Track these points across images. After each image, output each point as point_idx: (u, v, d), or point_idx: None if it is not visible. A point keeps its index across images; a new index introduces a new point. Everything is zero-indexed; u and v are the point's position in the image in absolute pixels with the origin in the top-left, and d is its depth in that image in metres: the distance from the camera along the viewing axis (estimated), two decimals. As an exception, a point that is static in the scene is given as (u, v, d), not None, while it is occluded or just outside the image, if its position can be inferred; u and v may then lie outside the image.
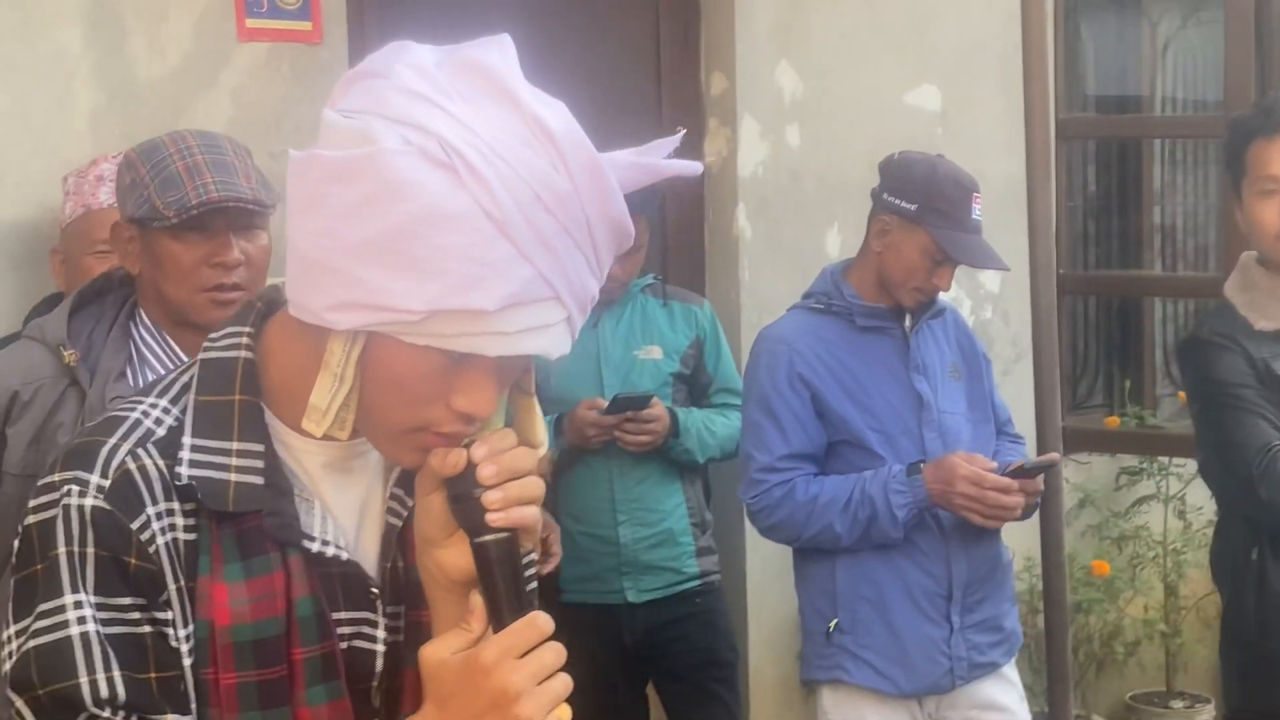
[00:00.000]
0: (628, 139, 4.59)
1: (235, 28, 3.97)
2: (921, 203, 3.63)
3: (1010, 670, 3.89)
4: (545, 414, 4.10)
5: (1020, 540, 4.64)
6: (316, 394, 1.49)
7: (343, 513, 1.61)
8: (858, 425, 3.68)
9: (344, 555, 1.57)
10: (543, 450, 1.58)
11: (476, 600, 1.47)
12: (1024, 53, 4.25)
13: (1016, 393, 4.65)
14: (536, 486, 1.49)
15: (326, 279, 1.46)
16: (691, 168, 1.55)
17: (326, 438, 1.53)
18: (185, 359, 2.81)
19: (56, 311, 2.90)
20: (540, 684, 1.43)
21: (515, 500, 1.46)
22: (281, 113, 4.03)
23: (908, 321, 3.79)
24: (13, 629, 1.49)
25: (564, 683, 1.45)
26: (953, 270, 3.72)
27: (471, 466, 1.47)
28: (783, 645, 5.04)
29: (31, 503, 1.52)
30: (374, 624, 1.61)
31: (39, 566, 1.49)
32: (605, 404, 4.13)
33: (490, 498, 1.46)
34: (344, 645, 1.59)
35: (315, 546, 1.55)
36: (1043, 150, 4.25)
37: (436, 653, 1.47)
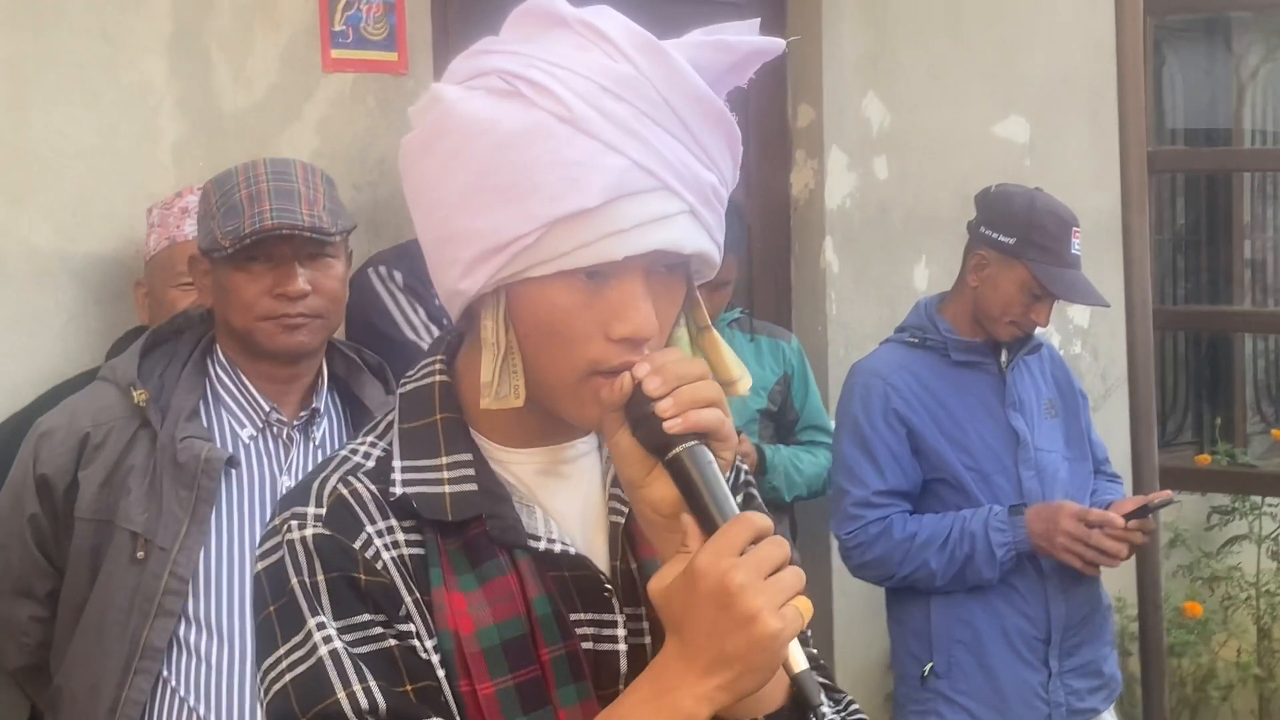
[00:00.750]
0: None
1: (320, 58, 3.93)
2: (1020, 236, 3.55)
3: (1110, 717, 3.78)
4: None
5: (1112, 581, 4.53)
6: (483, 371, 1.50)
7: (565, 518, 1.58)
8: (953, 463, 3.60)
9: (573, 550, 1.54)
10: (743, 387, 1.56)
11: (688, 520, 1.42)
12: (1119, 85, 4.16)
13: (1106, 429, 4.54)
14: (710, 389, 1.43)
15: (449, 250, 1.49)
16: (772, 44, 1.53)
17: (522, 445, 1.56)
18: (259, 396, 2.79)
19: (128, 352, 2.87)
20: (766, 578, 1.34)
21: (688, 403, 1.41)
22: (366, 144, 3.99)
23: (1003, 357, 3.70)
24: (262, 670, 1.50)
25: (795, 575, 1.36)
26: (1051, 305, 3.63)
27: (640, 386, 1.43)
28: (872, 686, 4.94)
29: (258, 552, 1.54)
30: (613, 624, 1.56)
31: (273, 607, 1.50)
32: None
33: (661, 406, 1.41)
34: (587, 646, 1.55)
35: (542, 545, 1.53)
36: (1138, 184, 4.15)
37: (659, 582, 1.40)
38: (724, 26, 1.53)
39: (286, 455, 2.80)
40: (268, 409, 2.80)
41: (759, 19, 1.56)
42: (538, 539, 1.54)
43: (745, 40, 1.51)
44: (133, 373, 2.78)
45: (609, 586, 1.56)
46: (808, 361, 4.42)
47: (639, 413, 1.43)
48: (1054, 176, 5.38)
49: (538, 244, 1.44)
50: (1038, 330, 3.75)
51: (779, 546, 1.37)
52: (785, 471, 4.16)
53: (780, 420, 4.34)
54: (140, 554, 2.66)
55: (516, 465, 1.59)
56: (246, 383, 2.81)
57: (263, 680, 1.50)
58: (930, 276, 5.07)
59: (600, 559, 1.58)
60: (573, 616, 1.54)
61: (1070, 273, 3.58)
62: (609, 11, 1.49)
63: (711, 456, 1.42)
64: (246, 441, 2.79)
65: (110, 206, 3.62)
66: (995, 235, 3.59)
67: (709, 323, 1.59)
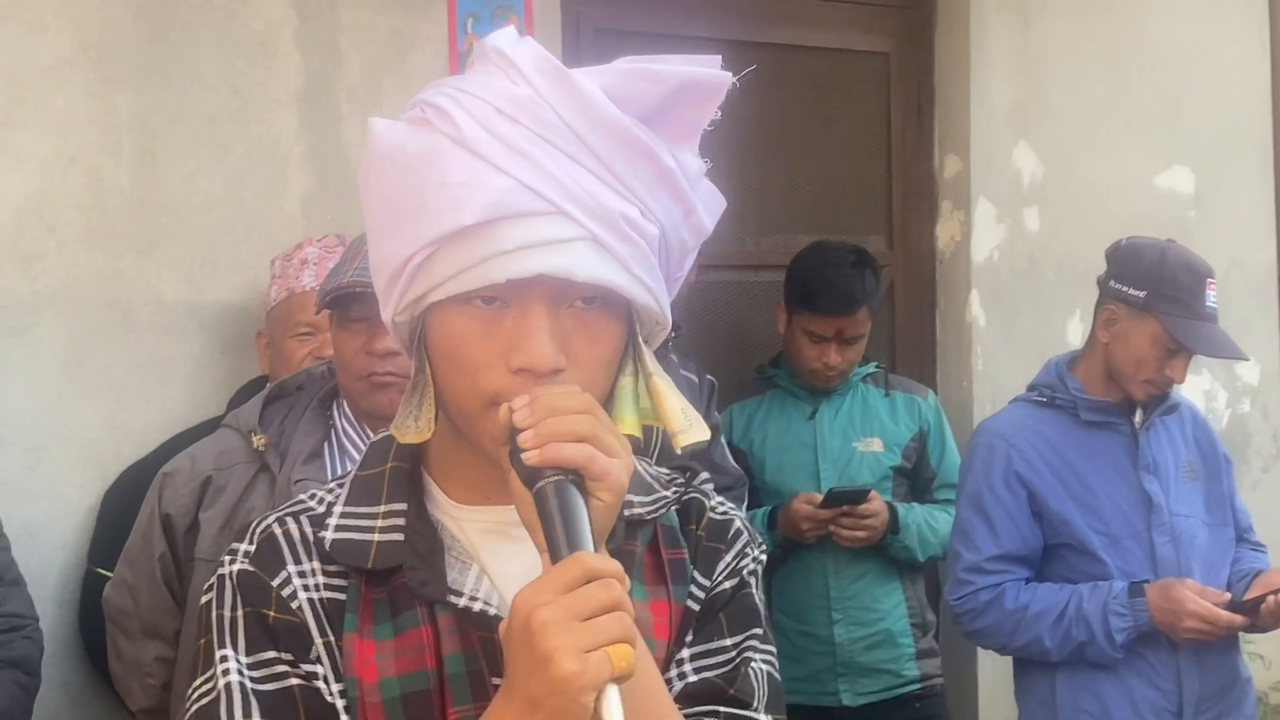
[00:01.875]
0: (854, 221, 4.49)
1: (451, 111, 3.95)
2: (1151, 289, 3.41)
3: (1249, 796, 3.60)
4: (761, 504, 4.03)
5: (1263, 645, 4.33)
6: (402, 403, 1.52)
7: (509, 581, 1.52)
8: (1079, 527, 3.46)
9: (492, 611, 1.49)
10: (692, 438, 1.50)
11: (545, 562, 1.35)
12: (1276, 133, 4.00)
13: (1279, 492, 4.34)
14: (582, 424, 1.36)
15: (376, 280, 1.52)
16: (713, 75, 1.47)
17: (478, 502, 1.55)
18: None
19: (252, 400, 2.94)
20: (584, 620, 1.25)
21: (548, 435, 1.34)
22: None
23: (1138, 417, 3.55)
24: (185, 697, 1.52)
25: (616, 622, 1.26)
26: (1187, 361, 3.47)
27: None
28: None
29: (205, 585, 1.56)
30: None
31: (203, 640, 1.52)
32: (820, 498, 3.98)
33: (522, 437, 1.36)
34: None
35: (462, 602, 1.49)
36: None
37: (505, 624, 1.33)
38: (663, 57, 1.47)
39: None
40: None
41: (720, 56, 1.50)
42: (460, 595, 1.50)
43: (673, 70, 1.45)
44: (254, 419, 2.86)
45: None
46: (945, 418, 4.30)
47: (513, 446, 1.38)
48: (1220, 228, 5.22)
49: (428, 266, 1.43)
50: (1203, 387, 3.59)
51: (607, 590, 1.27)
52: (919, 531, 4.06)
53: (915, 478, 4.23)
54: None
55: (465, 521, 1.56)
56: (369, 432, 2.83)
57: (185, 710, 1.51)
58: (1084, 332, 4.89)
59: None
60: (495, 680, 1.47)
61: (1205, 326, 3.42)
62: (530, 42, 1.46)
63: (577, 496, 1.34)
64: None
65: (237, 258, 3.68)
66: (1125, 289, 3.46)
67: (655, 370, 1.53)
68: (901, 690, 4.13)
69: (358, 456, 2.79)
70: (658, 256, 1.49)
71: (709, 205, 1.56)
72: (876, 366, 4.29)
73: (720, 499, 1.71)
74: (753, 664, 1.59)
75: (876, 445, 4.15)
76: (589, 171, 1.42)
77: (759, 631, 1.63)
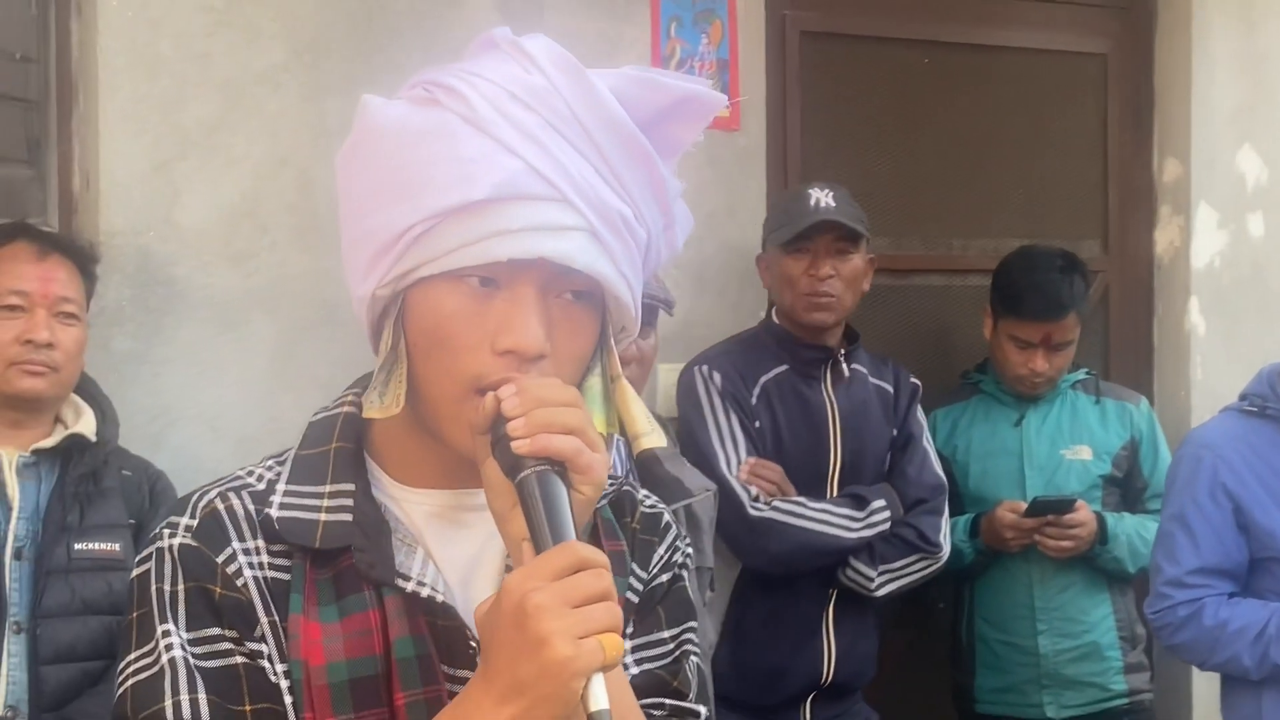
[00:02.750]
0: (1068, 225, 4.39)
1: (653, 114, 3.98)
2: (1367, 297, 3.28)
3: None
4: (963, 511, 3.98)
5: None
6: (373, 379, 1.48)
7: (450, 565, 1.53)
8: (1287, 541, 3.33)
9: (439, 597, 1.47)
10: (653, 441, 1.51)
11: (526, 548, 1.34)
12: None
13: None
14: (571, 416, 1.36)
15: (353, 254, 1.48)
16: (710, 96, 1.48)
17: (423, 485, 1.53)
18: None
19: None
20: (576, 607, 1.26)
21: (540, 426, 1.34)
22: (694, 202, 3.97)
23: (1353, 428, 3.41)
24: (116, 673, 1.49)
25: (608, 611, 1.27)
26: (1406, 373, 3.33)
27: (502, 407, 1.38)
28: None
29: (136, 560, 1.53)
30: None
31: (136, 613, 1.48)
32: (1025, 506, 3.91)
33: (512, 425, 1.35)
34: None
35: (410, 586, 1.47)
36: None
37: (483, 606, 1.33)
38: (665, 72, 1.50)
39: None
40: None
41: (710, 81, 1.52)
42: (407, 579, 1.48)
43: (677, 84, 1.47)
44: None
45: (474, 643, 1.47)
46: (1159, 426, 4.19)
47: (497, 434, 1.37)
48: None
49: (426, 238, 1.41)
50: None
51: (598, 579, 1.27)
52: (1129, 542, 3.95)
53: (1127, 487, 4.12)
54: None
55: (410, 504, 1.55)
56: None
57: (117, 686, 1.48)
58: (1309, 341, 4.75)
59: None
60: (445, 668, 1.48)
61: None
62: (543, 38, 1.47)
63: (562, 487, 1.35)
64: None
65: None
66: (1341, 297, 3.33)
67: (619, 374, 1.54)
68: (1108, 705, 4.04)
69: None
70: (641, 259, 1.50)
71: (682, 224, 1.56)
72: (1087, 373, 4.20)
73: (647, 493, 1.70)
74: (691, 657, 1.60)
75: (1085, 453, 4.06)
76: (591, 166, 1.43)
77: (694, 624, 1.63)
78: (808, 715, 3.68)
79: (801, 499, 3.57)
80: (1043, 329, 3.95)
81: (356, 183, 1.48)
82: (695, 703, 1.58)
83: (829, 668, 3.67)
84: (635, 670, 1.55)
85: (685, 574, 1.66)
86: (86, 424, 3.07)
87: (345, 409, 1.58)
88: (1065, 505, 3.89)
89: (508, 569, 1.50)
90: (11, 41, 3.49)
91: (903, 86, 4.56)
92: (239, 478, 1.55)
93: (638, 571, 1.61)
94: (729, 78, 4.10)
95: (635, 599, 1.59)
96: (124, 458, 3.16)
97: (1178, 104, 4.79)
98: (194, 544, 1.47)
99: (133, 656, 1.46)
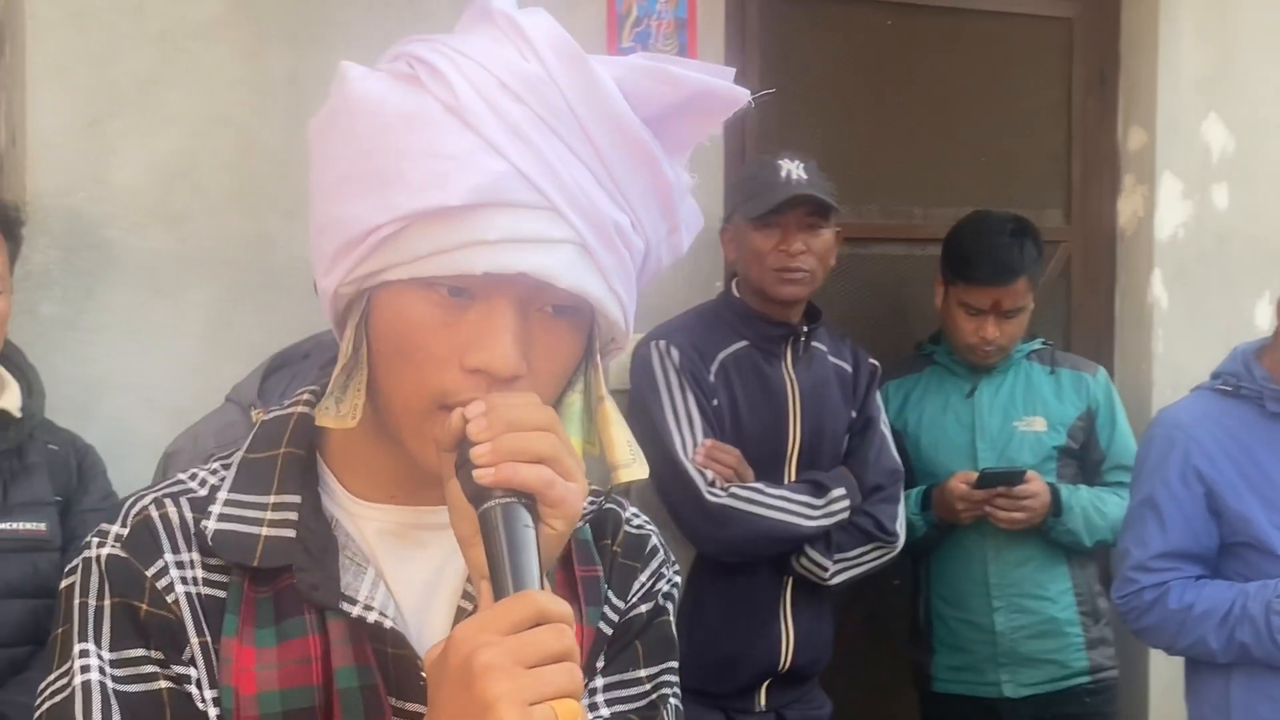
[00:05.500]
0: (1031, 194, 4.31)
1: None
2: (1345, 275, 3.19)
3: None
4: (915, 484, 3.88)
5: None
6: (330, 384, 1.35)
7: (404, 588, 1.40)
8: (1261, 525, 3.24)
9: (388, 623, 1.34)
10: (634, 474, 1.37)
11: (484, 588, 1.22)
12: None
13: None
14: (543, 443, 1.23)
15: (319, 242, 1.34)
16: (731, 91, 1.32)
17: (380, 499, 1.40)
18: None
19: (253, 371, 2.84)
20: (530, 667, 1.12)
21: (507, 454, 1.21)
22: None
23: (1330, 409, 3.32)
24: (37, 696, 1.36)
25: (566, 673, 1.13)
26: (1384, 352, 3.24)
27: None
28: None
29: (65, 568, 1.40)
30: (420, 717, 1.34)
31: (60, 629, 1.36)
32: (976, 477, 3.83)
33: (476, 452, 1.22)
34: None
35: (356, 610, 1.34)
36: None
37: (432, 652, 1.21)
38: (680, 60, 1.32)
39: None
40: None
41: (735, 69, 1.36)
42: (354, 603, 1.35)
43: (691, 76, 1.30)
44: (254, 392, 2.76)
45: (425, 676, 1.29)
46: (1117, 397, 4.10)
47: (462, 456, 1.24)
48: None
49: (395, 240, 1.27)
50: None
51: (557, 636, 1.14)
52: (1084, 514, 3.87)
53: (1084, 459, 4.04)
54: None
55: (364, 520, 1.41)
56: None
57: (35, 707, 1.36)
58: (1273, 316, 4.66)
59: (434, 642, 1.28)
60: (391, 701, 1.35)
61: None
62: (543, 14, 1.31)
63: (529, 521, 1.22)
64: None
65: (386, 222, 3.61)
66: (1315, 274, 3.23)
67: (605, 394, 1.40)
68: (1070, 683, 3.96)
69: None
70: (637, 270, 1.36)
71: (689, 224, 1.40)
72: (1043, 343, 4.12)
73: (635, 510, 1.56)
74: (670, 700, 1.48)
75: (1039, 424, 3.97)
76: (587, 169, 1.28)
77: (674, 664, 1.50)
78: (763, 702, 3.59)
79: (759, 485, 3.47)
80: (992, 294, 3.86)
81: (329, 163, 1.34)
82: None
83: (787, 654, 3.58)
84: (606, 713, 1.42)
85: (670, 606, 1.52)
86: (10, 398, 2.91)
87: (299, 409, 1.45)
88: (1015, 477, 3.81)
89: (465, 594, 1.38)
90: (-67, -12, 3.32)
91: (864, 49, 4.44)
92: (180, 482, 1.42)
93: (613, 600, 1.48)
94: (686, 38, 3.97)
95: (609, 630, 1.46)
96: (50, 431, 3.01)
97: (1144, 71, 4.69)
98: (123, 555, 1.35)
99: (51, 677, 1.34)
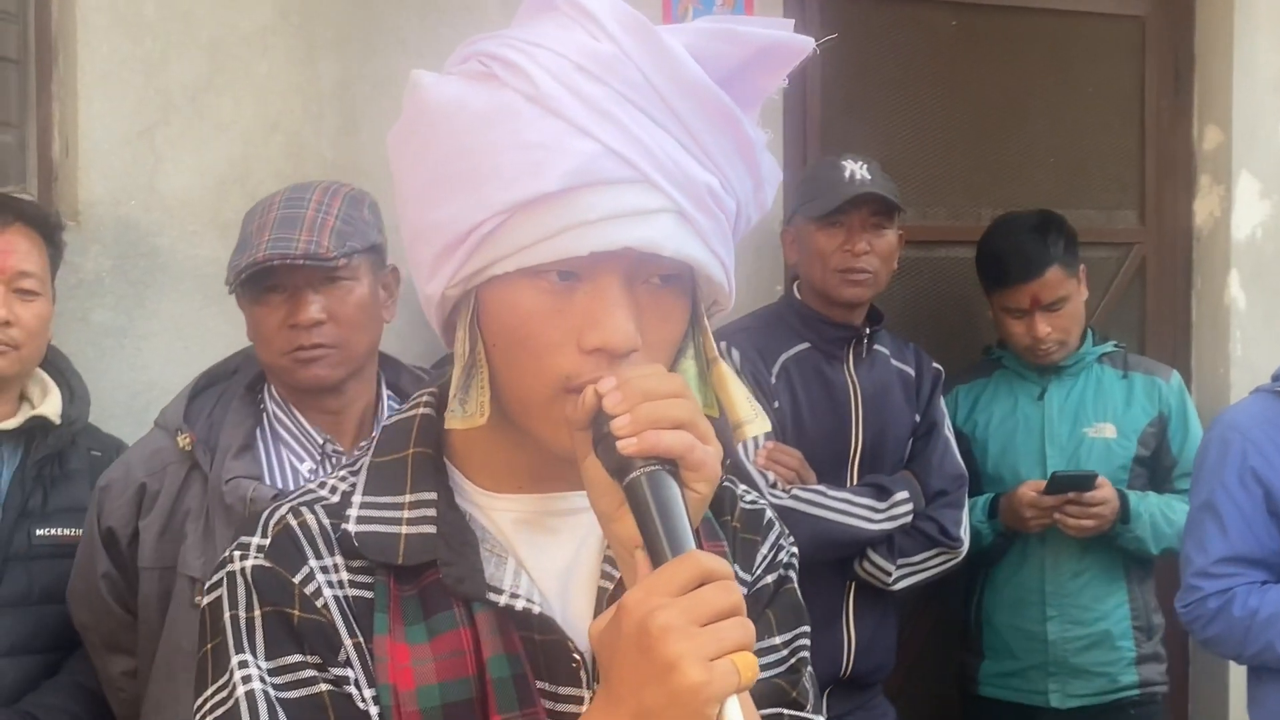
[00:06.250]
0: (1102, 195, 4.24)
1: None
2: None
3: None
4: (982, 491, 3.82)
5: None
6: (451, 384, 1.38)
7: (546, 577, 1.42)
8: (1323, 528, 3.15)
9: (537, 609, 1.37)
10: (756, 429, 1.39)
11: (640, 557, 1.24)
12: None
13: None
14: (679, 409, 1.25)
15: (417, 250, 1.38)
16: (795, 40, 1.35)
17: (509, 490, 1.43)
18: (312, 429, 2.71)
19: (179, 394, 2.81)
20: (703, 625, 1.15)
21: (647, 422, 1.23)
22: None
23: (1393, 410, 3.22)
24: (193, 711, 1.39)
25: (739, 627, 1.16)
26: None
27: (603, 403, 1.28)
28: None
29: (206, 585, 1.43)
30: (579, 700, 1.38)
31: (210, 644, 1.38)
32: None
33: (617, 424, 1.24)
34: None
35: (503, 599, 1.37)
36: None
37: (599, 624, 1.22)
38: (743, 19, 1.34)
39: None
40: (322, 441, 2.72)
41: (793, 20, 1.37)
42: (500, 593, 1.37)
43: (756, 32, 1.33)
44: (179, 416, 2.72)
45: (577, 657, 1.37)
46: (1190, 402, 4.02)
47: (599, 432, 1.26)
48: None
49: (497, 235, 1.30)
50: None
51: (725, 592, 1.16)
52: (1153, 521, 3.80)
53: (1155, 466, 3.96)
54: (198, 599, 2.50)
55: (496, 511, 1.44)
56: (300, 417, 2.72)
57: None
58: (1354, 317, 4.56)
59: (579, 626, 1.38)
60: (539, 685, 1.37)
61: None
62: None
63: (675, 486, 1.23)
64: (307, 475, 2.70)
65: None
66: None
67: (716, 355, 1.42)
68: (1117, 696, 3.89)
69: (293, 444, 2.71)
70: (732, 230, 1.38)
71: (770, 180, 1.43)
72: (1116, 346, 4.04)
73: (746, 487, 1.58)
74: (808, 666, 1.52)
75: (1109, 431, 3.90)
76: (673, 138, 1.31)
77: (806, 629, 1.54)
78: (824, 709, 3.54)
79: (821, 487, 3.43)
80: (1028, 291, 3.81)
81: (414, 172, 1.37)
82: (813, 714, 1.51)
83: (848, 660, 3.54)
84: None
85: (792, 574, 1.56)
86: (51, 404, 2.92)
87: (421, 411, 1.48)
88: (1086, 481, 3.73)
89: (604, 575, 1.41)
90: (-10, -3, 3.37)
91: (929, 50, 4.39)
92: (310, 491, 1.46)
93: (740, 574, 1.50)
94: (743, 9, 3.94)
95: None
96: (94, 437, 3.03)
97: (1219, 68, 4.61)
98: (267, 564, 1.38)
99: (208, 692, 1.37)
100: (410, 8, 3.58)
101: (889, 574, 3.49)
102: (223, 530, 2.60)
